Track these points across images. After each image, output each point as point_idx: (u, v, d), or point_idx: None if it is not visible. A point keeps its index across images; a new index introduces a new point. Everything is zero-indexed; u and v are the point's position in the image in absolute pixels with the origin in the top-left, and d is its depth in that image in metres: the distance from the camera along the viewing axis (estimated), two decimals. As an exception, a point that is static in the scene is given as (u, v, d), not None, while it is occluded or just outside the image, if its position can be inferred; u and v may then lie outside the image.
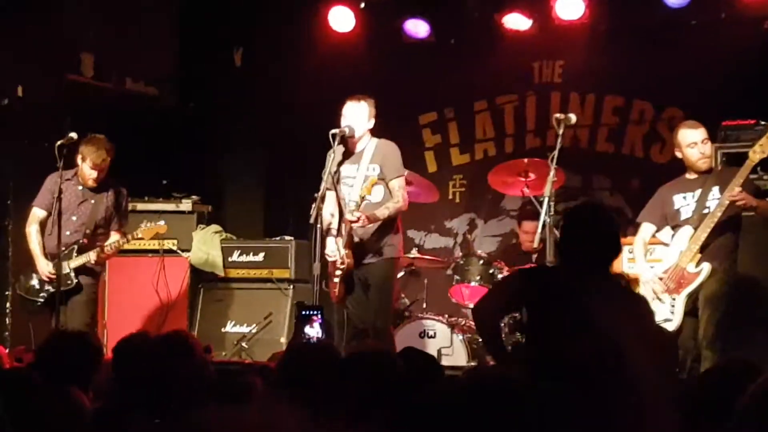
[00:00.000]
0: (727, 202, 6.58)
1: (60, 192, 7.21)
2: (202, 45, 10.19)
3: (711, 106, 8.37)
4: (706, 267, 6.66)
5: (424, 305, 8.62)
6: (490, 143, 10.05)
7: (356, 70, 9.68)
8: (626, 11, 9.14)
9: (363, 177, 7.03)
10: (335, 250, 7.00)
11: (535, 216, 8.49)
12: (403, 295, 8.75)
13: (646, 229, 7.06)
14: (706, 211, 6.73)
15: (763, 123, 7.45)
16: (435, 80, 10.01)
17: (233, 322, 9.08)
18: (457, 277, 8.35)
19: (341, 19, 9.72)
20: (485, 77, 9.84)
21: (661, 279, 6.79)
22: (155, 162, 9.44)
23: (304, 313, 6.24)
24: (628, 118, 9.52)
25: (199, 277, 9.27)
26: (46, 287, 7.56)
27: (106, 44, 9.36)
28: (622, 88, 9.53)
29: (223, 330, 9.06)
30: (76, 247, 7.53)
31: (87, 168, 7.50)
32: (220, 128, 10.50)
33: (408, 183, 7.34)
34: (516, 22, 9.37)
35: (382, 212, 6.91)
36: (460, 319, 8.07)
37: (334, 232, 7.08)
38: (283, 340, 8.66)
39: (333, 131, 6.92)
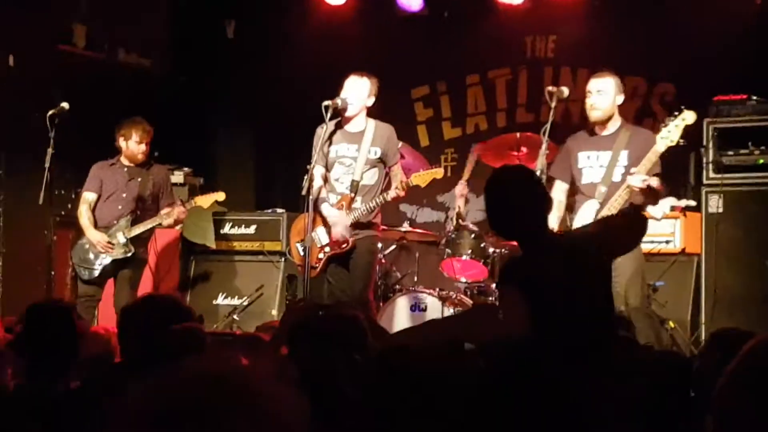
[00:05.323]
0: (634, 187, 6.19)
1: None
2: (196, 17, 10.15)
3: (703, 81, 8.38)
4: None
5: (416, 279, 8.62)
6: (482, 117, 10.06)
7: (349, 43, 9.66)
8: (620, -15, 9.14)
9: (365, 159, 7.01)
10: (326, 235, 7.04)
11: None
12: (394, 268, 8.76)
13: (558, 187, 6.68)
14: (616, 179, 6.39)
15: (754, 98, 7.47)
16: (427, 54, 10.00)
17: (224, 294, 9.09)
18: (448, 250, 8.32)
19: (334, -8, 9.70)
20: (478, 51, 9.84)
21: None
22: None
23: None
24: (620, 93, 9.50)
25: (191, 249, 9.27)
26: (101, 257, 7.74)
27: (99, 15, 9.32)
28: (614, 63, 9.44)
29: (214, 302, 9.07)
30: (130, 218, 7.77)
31: (134, 144, 7.82)
32: (213, 100, 10.49)
33: (401, 156, 7.34)
34: (510, -5, 9.36)
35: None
36: (451, 293, 8.06)
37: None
38: (274, 312, 8.66)
39: (326, 102, 6.87)
